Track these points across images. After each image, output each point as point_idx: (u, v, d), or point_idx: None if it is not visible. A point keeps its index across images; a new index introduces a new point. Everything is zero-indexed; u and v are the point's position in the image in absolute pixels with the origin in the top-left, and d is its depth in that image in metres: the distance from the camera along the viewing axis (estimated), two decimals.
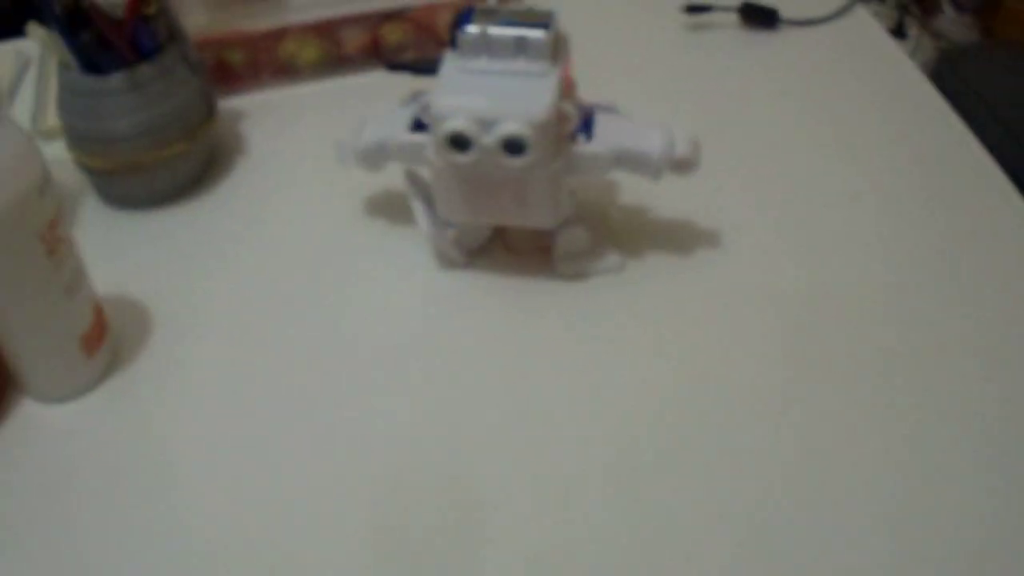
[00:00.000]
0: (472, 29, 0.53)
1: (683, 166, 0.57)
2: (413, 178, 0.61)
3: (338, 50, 0.77)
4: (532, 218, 0.58)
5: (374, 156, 0.60)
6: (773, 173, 0.69)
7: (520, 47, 0.53)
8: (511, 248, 0.63)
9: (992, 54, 1.39)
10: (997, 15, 1.75)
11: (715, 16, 0.86)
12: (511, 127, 0.51)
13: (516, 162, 0.53)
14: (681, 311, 0.59)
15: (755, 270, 0.62)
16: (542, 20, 0.54)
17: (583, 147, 0.56)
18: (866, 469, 0.50)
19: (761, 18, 0.85)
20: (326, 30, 0.75)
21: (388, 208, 0.67)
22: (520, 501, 0.49)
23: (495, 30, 0.53)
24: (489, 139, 0.52)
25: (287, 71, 0.77)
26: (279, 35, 0.75)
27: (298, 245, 0.65)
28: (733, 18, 0.86)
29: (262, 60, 0.76)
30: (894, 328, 0.57)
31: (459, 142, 0.52)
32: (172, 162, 0.67)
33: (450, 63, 0.55)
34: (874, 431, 0.52)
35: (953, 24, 1.71)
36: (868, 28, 0.87)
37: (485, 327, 0.59)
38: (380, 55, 0.77)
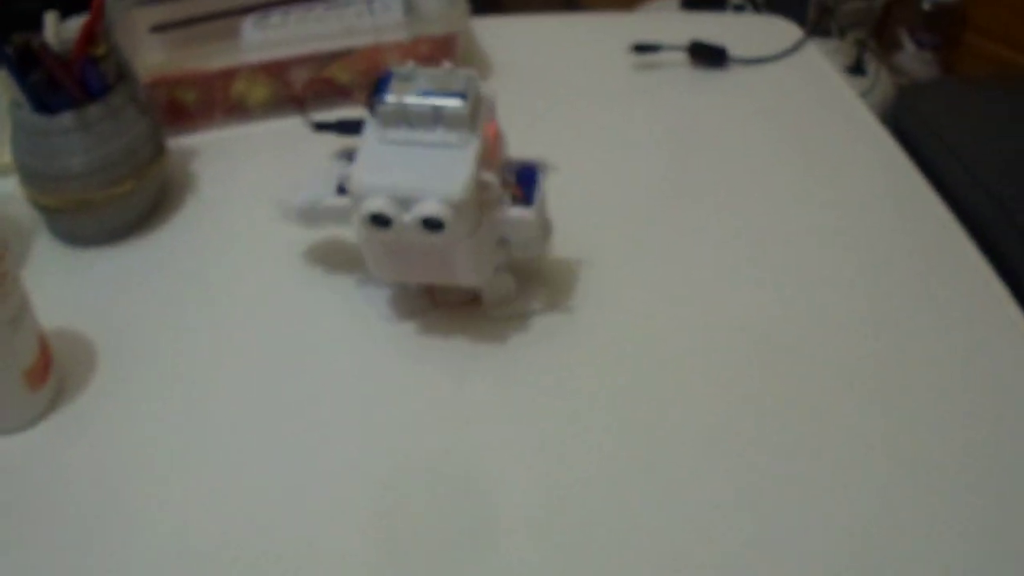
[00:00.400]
0: (389, 99, 0.53)
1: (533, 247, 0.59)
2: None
3: (288, 90, 0.78)
4: (460, 279, 0.58)
5: (309, 215, 0.61)
6: (722, 212, 0.71)
7: (438, 117, 0.53)
8: (439, 303, 0.63)
9: (950, 91, 1.42)
10: (958, 51, 1.79)
11: (663, 56, 0.88)
12: (428, 207, 0.52)
13: (435, 238, 0.53)
14: (622, 352, 0.61)
15: (700, 308, 0.63)
16: (459, 88, 0.53)
17: (509, 213, 0.56)
18: (820, 514, 0.51)
19: (710, 57, 0.88)
20: (276, 70, 0.77)
21: (334, 248, 0.68)
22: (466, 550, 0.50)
23: (412, 100, 0.53)
24: (408, 218, 0.52)
25: (238, 110, 0.79)
26: (230, 75, 0.77)
27: (245, 282, 0.66)
28: (682, 57, 0.88)
29: (214, 99, 0.78)
30: (840, 365, 0.59)
31: (379, 220, 0.53)
32: (122, 200, 0.68)
33: (370, 131, 0.55)
34: (830, 476, 0.53)
35: (914, 61, 1.75)
36: (818, 66, 0.89)
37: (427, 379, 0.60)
38: (328, 95, 0.79)
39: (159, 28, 0.86)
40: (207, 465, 0.54)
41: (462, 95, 0.53)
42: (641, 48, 0.87)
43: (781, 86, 0.86)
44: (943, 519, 0.51)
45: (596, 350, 0.60)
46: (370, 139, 0.55)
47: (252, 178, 0.75)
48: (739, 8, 1.54)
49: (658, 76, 0.87)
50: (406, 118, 0.54)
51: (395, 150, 0.54)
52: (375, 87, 0.54)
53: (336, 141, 0.71)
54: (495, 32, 0.92)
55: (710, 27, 0.93)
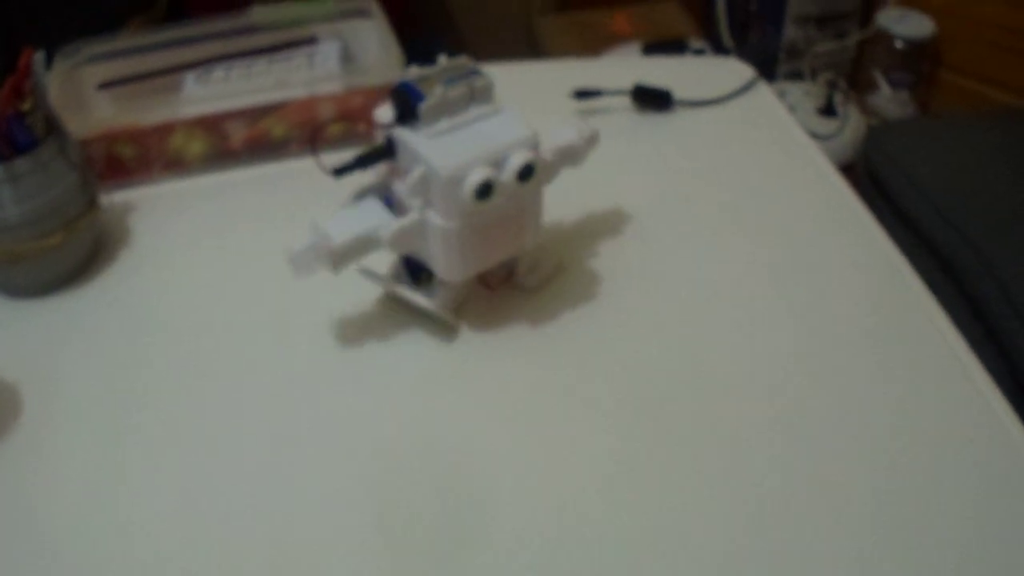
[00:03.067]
0: (434, 95, 0.59)
1: (594, 138, 0.68)
2: (375, 275, 0.67)
3: (224, 144, 0.81)
4: (525, 241, 0.65)
5: (352, 253, 0.62)
6: (664, 255, 0.74)
7: (471, 96, 0.61)
8: (494, 285, 0.70)
9: (919, 129, 1.45)
10: (933, 89, 1.83)
11: (607, 101, 0.91)
12: (520, 157, 0.59)
13: (529, 186, 0.61)
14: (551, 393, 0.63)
15: (639, 349, 0.66)
16: (472, 68, 0.62)
17: (543, 156, 0.63)
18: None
19: (654, 101, 0.91)
20: (211, 124, 0.80)
21: (265, 300, 0.71)
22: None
23: (453, 90, 0.60)
24: (506, 176, 0.59)
25: (176, 165, 0.82)
26: (167, 130, 0.80)
27: (177, 336, 0.68)
28: (626, 101, 0.91)
29: (151, 154, 0.81)
30: (781, 404, 0.61)
31: (483, 191, 0.58)
32: (52, 253, 0.71)
33: (411, 137, 0.59)
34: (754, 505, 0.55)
35: (889, 101, 1.79)
36: (770, 108, 0.93)
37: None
38: (264, 148, 0.82)
39: (106, 85, 0.90)
40: (130, 520, 0.56)
41: (477, 71, 0.61)
42: (583, 94, 0.90)
43: (729, 128, 0.89)
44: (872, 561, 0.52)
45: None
46: (418, 142, 0.59)
47: (187, 231, 0.77)
48: (699, 52, 1.58)
49: (601, 121, 0.90)
50: (445, 108, 0.60)
51: (450, 137, 0.60)
52: (400, 96, 0.60)
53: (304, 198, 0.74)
54: None
55: (662, 71, 0.97)
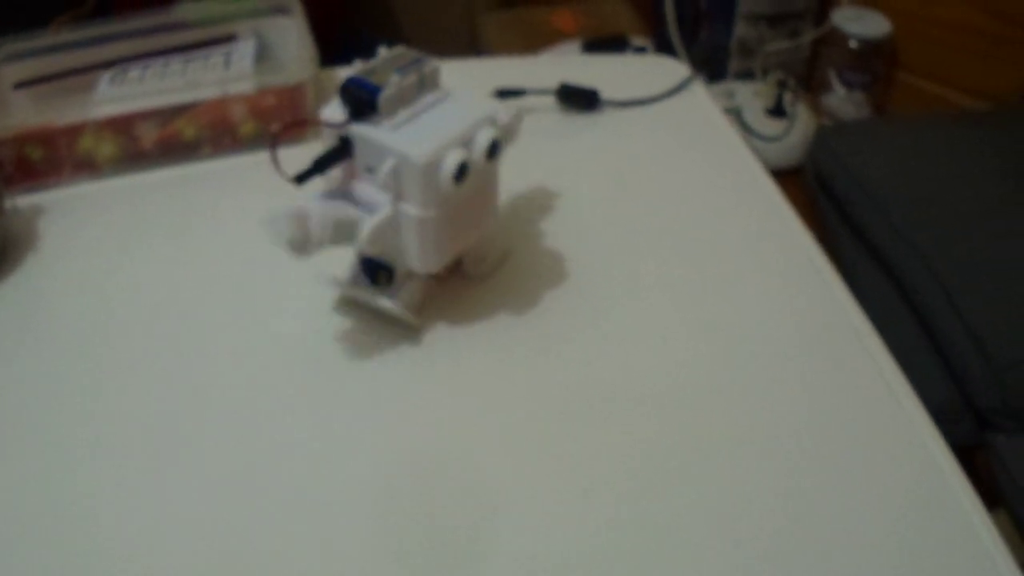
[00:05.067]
0: (391, 85, 0.60)
1: (520, 118, 0.68)
2: (334, 280, 0.67)
3: (135, 145, 0.82)
4: (488, 221, 0.68)
5: (326, 235, 0.62)
6: (585, 259, 0.75)
7: (422, 83, 0.63)
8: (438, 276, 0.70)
9: (868, 130, 1.48)
10: (889, 90, 1.86)
11: (531, 100, 0.93)
12: (488, 134, 0.62)
13: (495, 162, 0.64)
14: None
15: (555, 361, 0.67)
16: (415, 56, 0.64)
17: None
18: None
19: (579, 100, 0.92)
20: (122, 125, 0.81)
21: (180, 307, 0.71)
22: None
23: (406, 78, 0.61)
24: (476, 155, 0.61)
25: (87, 167, 0.83)
26: (76, 131, 0.80)
27: (83, 344, 0.69)
28: (551, 101, 0.93)
29: (61, 156, 0.81)
30: (703, 417, 0.62)
31: (460, 172, 0.60)
32: None
33: (372, 131, 0.61)
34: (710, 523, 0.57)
35: (844, 102, 1.82)
36: (702, 109, 0.94)
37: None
38: (176, 150, 0.83)
39: (22, 84, 0.90)
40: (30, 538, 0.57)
41: (421, 58, 0.64)
42: (505, 93, 0.91)
43: (657, 128, 0.91)
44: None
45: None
46: (380, 135, 0.60)
47: (95, 235, 0.78)
48: (640, 50, 1.60)
49: (526, 121, 0.91)
50: (402, 98, 0.62)
51: (412, 125, 0.61)
52: (352, 92, 0.61)
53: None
54: None
55: (597, 70, 0.98)
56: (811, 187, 1.46)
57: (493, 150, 0.63)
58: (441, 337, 0.68)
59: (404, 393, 0.64)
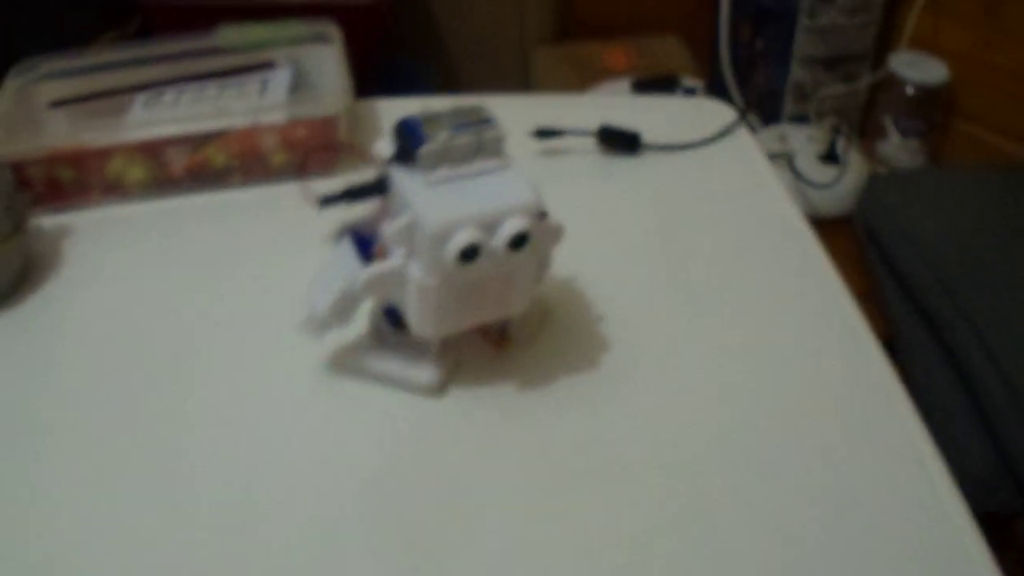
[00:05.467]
0: (435, 140, 0.57)
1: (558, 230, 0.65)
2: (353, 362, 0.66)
3: (164, 171, 0.81)
4: (514, 305, 0.63)
5: (342, 312, 0.62)
6: (620, 316, 0.73)
7: (479, 147, 0.59)
8: (488, 339, 0.68)
9: (921, 180, 1.44)
10: (945, 139, 1.82)
11: (571, 140, 0.91)
12: (516, 224, 0.57)
13: (520, 255, 0.59)
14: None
15: (593, 408, 0.65)
16: (485, 116, 0.60)
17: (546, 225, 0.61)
18: None
19: (621, 143, 0.90)
20: (151, 150, 0.80)
21: (202, 336, 0.70)
22: None
23: (458, 138, 0.58)
24: (496, 242, 0.57)
25: (116, 190, 0.82)
26: (106, 154, 0.80)
27: (100, 369, 0.68)
28: (590, 143, 0.91)
29: (91, 178, 0.81)
30: (742, 477, 0.60)
31: (468, 254, 0.57)
32: None
33: (407, 179, 0.58)
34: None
35: (899, 149, 1.78)
36: (746, 153, 0.92)
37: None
38: (206, 177, 0.82)
39: (58, 104, 0.90)
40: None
41: (490, 121, 0.60)
42: (544, 133, 0.89)
43: (699, 173, 0.88)
44: None
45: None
46: (412, 187, 0.58)
47: (119, 259, 0.77)
48: (690, 91, 1.58)
49: (564, 163, 0.90)
50: (448, 156, 0.58)
51: (446, 188, 0.58)
52: (403, 133, 0.58)
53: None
54: (391, 112, 0.95)
55: (642, 110, 0.97)
56: (860, 237, 1.43)
57: (517, 242, 0.58)
58: (461, 392, 0.66)
59: (416, 445, 0.62)
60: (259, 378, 0.66)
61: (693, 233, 0.80)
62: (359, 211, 0.63)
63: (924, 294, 1.27)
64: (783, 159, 1.60)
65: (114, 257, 0.78)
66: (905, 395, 0.65)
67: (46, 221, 0.82)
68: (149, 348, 0.69)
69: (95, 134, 0.79)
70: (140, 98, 0.88)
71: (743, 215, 0.83)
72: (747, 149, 0.94)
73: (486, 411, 0.64)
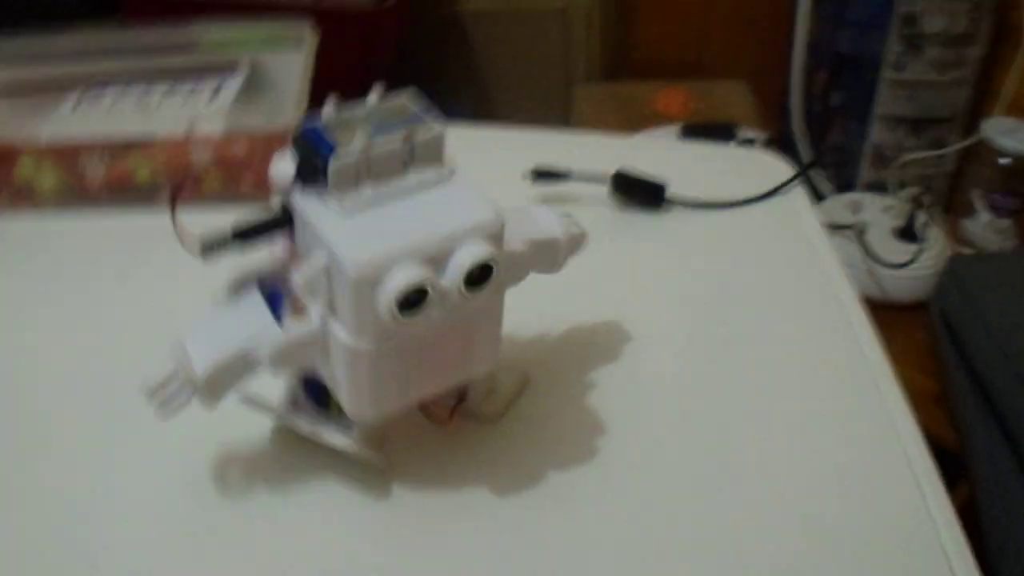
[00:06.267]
0: (350, 150, 0.43)
1: (580, 241, 0.54)
2: (262, 404, 0.51)
3: (80, 181, 0.69)
4: (477, 364, 0.49)
5: (225, 381, 0.46)
6: (620, 405, 0.58)
7: (410, 154, 0.45)
8: (433, 417, 0.53)
9: (1010, 265, 1.28)
10: None
11: (577, 187, 0.76)
12: (474, 252, 0.43)
13: (482, 294, 0.44)
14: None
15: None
16: (415, 112, 0.45)
17: (507, 250, 0.47)
18: None
19: (640, 194, 0.75)
20: (64, 155, 0.68)
21: (104, 387, 0.57)
22: None
23: (380, 144, 0.43)
24: (449, 280, 0.43)
25: (27, 198, 0.70)
26: (11, 154, 0.67)
27: None
28: (602, 192, 0.76)
29: None
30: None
31: (411, 302, 0.42)
32: None
33: (315, 208, 0.44)
34: None
35: (985, 229, 1.61)
36: (798, 220, 0.76)
37: None
38: (128, 193, 0.69)
39: None
40: None
41: (421, 117, 0.45)
42: (544, 175, 0.74)
43: (735, 239, 0.73)
44: None
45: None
46: (324, 216, 0.43)
47: (17, 279, 0.65)
48: (747, 143, 1.42)
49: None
50: (368, 169, 0.44)
51: (371, 215, 0.44)
52: (303, 144, 0.43)
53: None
54: None
55: (679, 159, 0.82)
56: (935, 327, 1.27)
57: (478, 278, 0.44)
58: (414, 487, 0.51)
59: (353, 554, 0.48)
60: (194, 471, 0.52)
61: (716, 308, 0.65)
62: (263, 256, 0.49)
63: (1005, 398, 1.11)
64: (852, 231, 1.43)
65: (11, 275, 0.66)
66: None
67: None
68: (33, 397, 0.56)
69: (4, 131, 0.67)
70: (74, 95, 0.76)
71: (784, 293, 0.67)
72: (802, 214, 0.77)
73: (422, 510, 0.50)
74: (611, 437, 0.54)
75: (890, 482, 0.53)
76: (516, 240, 0.49)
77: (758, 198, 0.78)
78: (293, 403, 0.52)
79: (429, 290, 0.42)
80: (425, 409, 0.52)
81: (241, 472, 0.52)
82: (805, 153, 1.62)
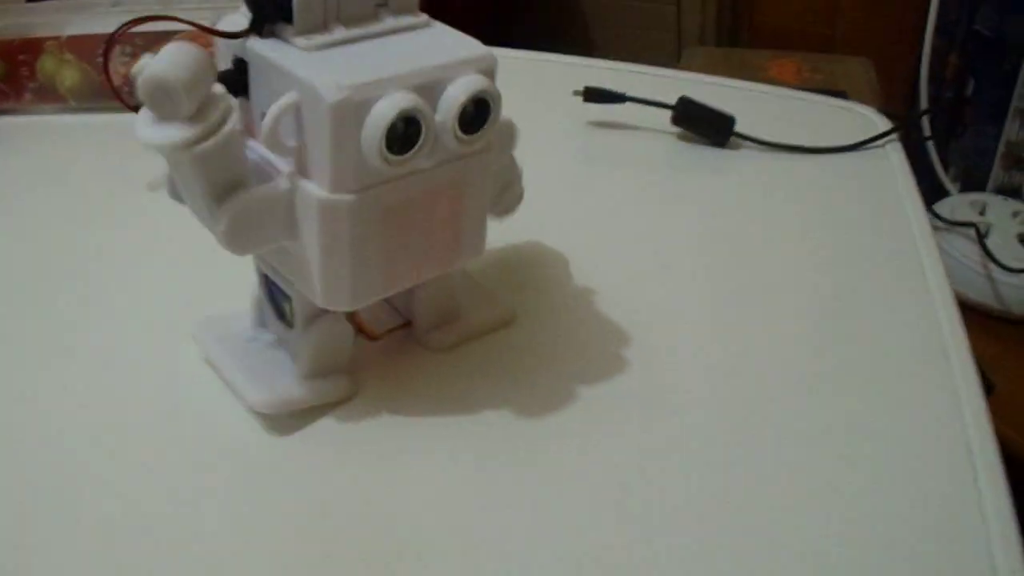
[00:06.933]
0: None
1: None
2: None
3: (102, 77, 0.67)
4: (463, 251, 0.44)
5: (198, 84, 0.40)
6: (639, 345, 0.51)
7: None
8: (368, 331, 0.48)
9: None
10: None
11: (634, 112, 0.70)
12: (470, 83, 0.39)
13: (478, 138, 0.40)
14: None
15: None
16: None
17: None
18: None
19: (703, 126, 0.69)
20: (84, 48, 0.65)
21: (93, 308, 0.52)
22: None
23: None
24: (443, 115, 0.39)
25: (51, 95, 0.68)
26: (35, 47, 0.66)
27: None
28: (663, 119, 0.70)
29: (20, 75, 0.67)
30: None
31: (404, 136, 0.38)
32: None
33: (278, 50, 0.39)
34: None
35: None
36: (886, 182, 0.67)
37: None
38: None
39: None
40: None
41: None
42: (596, 94, 0.69)
43: (804, 186, 0.65)
44: None
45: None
46: (289, 54, 0.39)
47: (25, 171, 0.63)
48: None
49: (620, 140, 0.69)
50: (338, 11, 0.40)
51: (343, 50, 0.39)
52: None
53: None
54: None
55: (764, 104, 0.76)
56: None
57: (476, 117, 0.40)
58: (382, 419, 0.45)
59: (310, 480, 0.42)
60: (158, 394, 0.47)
61: (768, 261, 0.58)
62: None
63: None
64: (971, 230, 1.32)
65: (21, 166, 0.64)
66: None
67: None
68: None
69: (19, 21, 0.65)
70: None
71: (857, 259, 0.58)
72: (897, 177, 0.68)
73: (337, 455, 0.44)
74: (606, 391, 0.47)
75: (944, 470, 0.44)
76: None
77: (843, 148, 0.70)
78: (258, 312, 0.48)
79: (422, 123, 0.38)
80: (357, 322, 0.47)
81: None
82: (931, 150, 1.51)
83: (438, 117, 0.39)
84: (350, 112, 0.37)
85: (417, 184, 0.40)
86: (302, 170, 0.39)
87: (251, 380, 0.44)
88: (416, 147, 0.38)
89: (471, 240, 0.44)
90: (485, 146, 0.42)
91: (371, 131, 0.37)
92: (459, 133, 0.39)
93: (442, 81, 0.39)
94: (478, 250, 0.45)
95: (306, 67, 0.38)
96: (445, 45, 0.41)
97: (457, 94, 0.39)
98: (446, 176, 0.41)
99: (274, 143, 0.39)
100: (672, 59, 1.64)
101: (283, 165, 0.40)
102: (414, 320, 0.48)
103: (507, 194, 0.48)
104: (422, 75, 0.38)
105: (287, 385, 0.44)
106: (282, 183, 0.40)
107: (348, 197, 0.39)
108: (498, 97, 0.40)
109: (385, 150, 0.37)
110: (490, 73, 0.40)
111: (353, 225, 0.39)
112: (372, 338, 0.48)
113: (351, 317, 0.46)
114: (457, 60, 0.39)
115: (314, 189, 0.39)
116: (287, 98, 0.38)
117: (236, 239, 0.40)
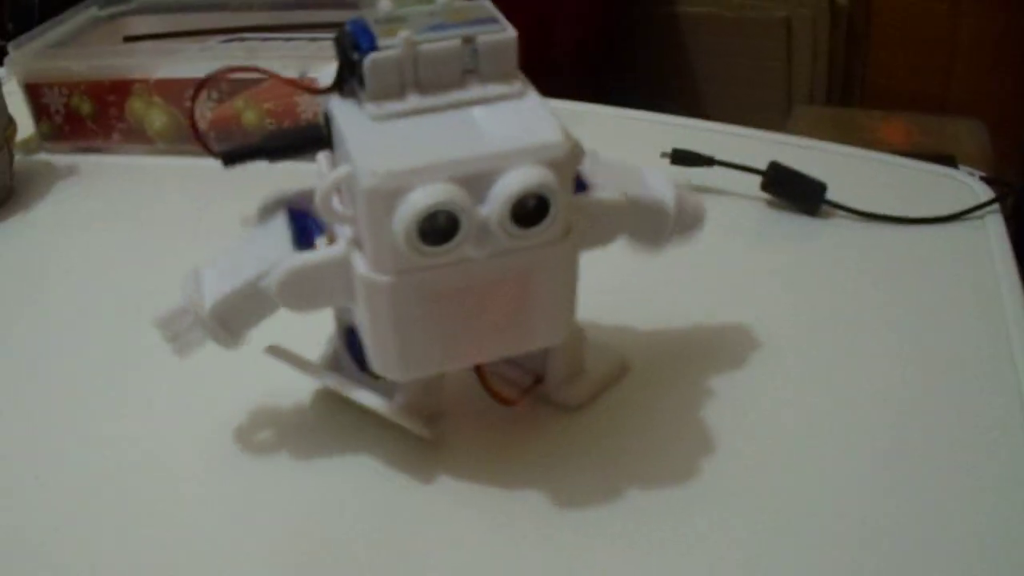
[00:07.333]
0: (391, 45, 0.37)
1: (695, 218, 0.46)
2: (291, 356, 0.46)
3: (188, 119, 0.67)
4: (538, 335, 0.42)
5: (238, 316, 0.42)
6: (744, 400, 0.50)
7: (471, 59, 0.38)
8: (503, 398, 0.46)
9: None
10: None
11: (722, 176, 0.68)
12: (523, 176, 0.36)
13: (536, 233, 0.37)
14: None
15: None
16: (483, 14, 0.39)
17: (593, 196, 0.41)
18: None
19: (793, 193, 0.66)
20: (171, 91, 0.66)
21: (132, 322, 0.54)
22: None
23: (430, 42, 0.37)
24: (490, 209, 0.36)
25: (138, 135, 0.69)
26: (123, 89, 0.67)
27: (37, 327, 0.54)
28: (752, 185, 0.67)
29: (111, 117, 0.69)
30: None
31: (437, 228, 0.36)
32: None
33: (348, 113, 0.38)
34: None
35: None
36: (983, 253, 0.63)
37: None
38: (236, 137, 0.67)
39: (131, 39, 0.80)
40: None
41: (488, 20, 0.38)
42: (683, 156, 0.67)
43: (896, 257, 0.62)
44: None
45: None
46: (353, 121, 0.38)
47: (108, 209, 0.65)
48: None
49: (709, 205, 0.67)
50: (416, 75, 0.38)
51: (407, 124, 0.37)
52: (346, 43, 0.38)
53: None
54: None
55: (861, 171, 0.73)
56: None
57: (530, 211, 0.37)
58: (462, 473, 0.45)
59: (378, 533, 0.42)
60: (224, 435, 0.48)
61: (860, 330, 0.55)
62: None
63: None
64: None
65: (101, 205, 0.66)
66: None
67: (59, 158, 0.72)
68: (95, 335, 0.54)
69: (110, 62, 0.66)
70: (212, 41, 0.75)
71: (946, 337, 0.55)
72: (994, 251, 0.64)
73: (464, 499, 0.43)
74: (717, 446, 0.46)
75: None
76: (609, 189, 0.42)
77: (936, 219, 0.67)
78: (333, 360, 0.47)
79: (460, 217, 0.36)
80: (489, 387, 0.45)
81: (274, 435, 0.47)
82: None
83: (484, 210, 0.36)
84: (380, 200, 0.35)
85: (469, 271, 0.38)
86: (357, 240, 0.39)
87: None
88: (453, 241, 0.36)
89: (547, 325, 0.41)
90: (557, 236, 0.38)
91: (402, 222, 0.35)
92: (510, 228, 0.37)
93: (492, 173, 0.36)
94: (557, 335, 0.42)
95: (361, 140, 0.37)
96: (515, 127, 0.37)
97: (507, 188, 0.36)
98: (504, 265, 0.38)
99: (326, 211, 0.38)
100: (781, 117, 1.61)
101: (345, 230, 0.39)
102: (546, 375, 0.46)
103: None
104: (468, 164, 0.36)
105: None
106: (342, 248, 0.39)
107: (386, 278, 0.37)
108: (557, 191, 0.36)
109: (417, 241, 0.36)
110: (556, 164, 0.36)
111: (394, 304, 0.38)
112: (508, 403, 0.46)
113: (482, 382, 0.45)
114: (515, 149, 0.36)
115: (360, 263, 0.38)
116: (341, 170, 0.37)
117: (287, 296, 0.40)
